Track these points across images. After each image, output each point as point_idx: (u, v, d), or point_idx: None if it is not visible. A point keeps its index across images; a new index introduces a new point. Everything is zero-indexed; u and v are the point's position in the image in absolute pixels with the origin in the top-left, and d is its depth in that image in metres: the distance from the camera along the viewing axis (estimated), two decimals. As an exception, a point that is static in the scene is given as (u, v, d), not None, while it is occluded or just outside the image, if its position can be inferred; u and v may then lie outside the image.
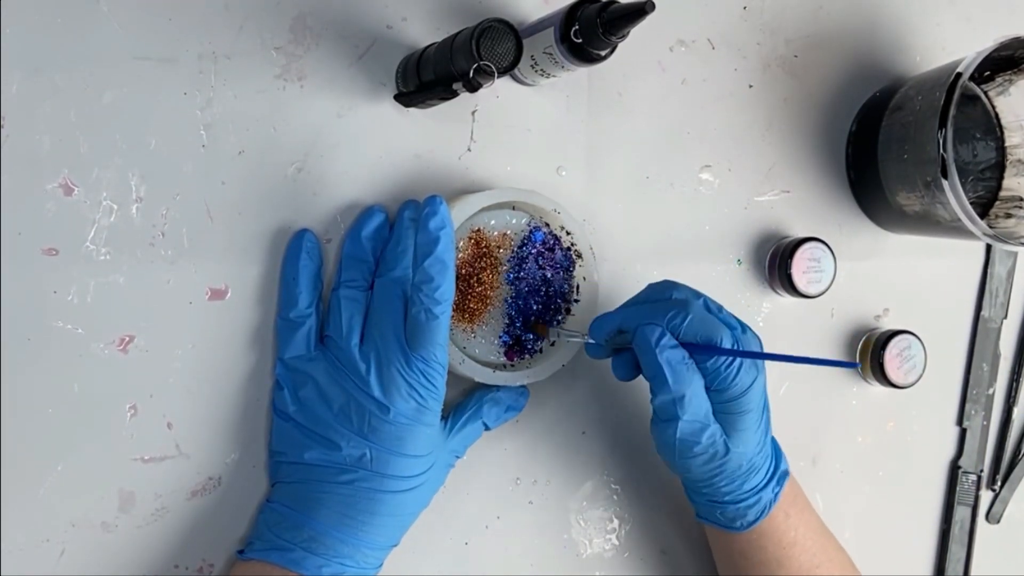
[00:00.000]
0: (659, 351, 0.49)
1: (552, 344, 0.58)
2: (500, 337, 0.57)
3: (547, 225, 0.58)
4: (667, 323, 0.50)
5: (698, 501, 0.56)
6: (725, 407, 0.51)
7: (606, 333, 0.53)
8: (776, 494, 0.54)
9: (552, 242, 0.58)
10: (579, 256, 0.58)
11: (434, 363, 0.50)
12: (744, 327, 0.52)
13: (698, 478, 0.54)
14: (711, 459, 0.52)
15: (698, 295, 0.51)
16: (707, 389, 0.50)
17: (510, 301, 0.57)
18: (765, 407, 0.53)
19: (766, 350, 0.66)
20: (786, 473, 0.55)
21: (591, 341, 0.54)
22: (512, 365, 0.57)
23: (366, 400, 0.50)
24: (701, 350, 0.49)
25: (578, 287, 0.59)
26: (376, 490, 0.49)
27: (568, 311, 0.59)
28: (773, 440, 0.56)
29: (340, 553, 0.49)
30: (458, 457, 0.55)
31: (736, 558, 0.57)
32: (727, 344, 0.49)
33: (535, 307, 0.57)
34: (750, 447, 0.52)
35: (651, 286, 0.53)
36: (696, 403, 0.50)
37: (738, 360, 0.49)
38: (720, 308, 0.52)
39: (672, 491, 0.64)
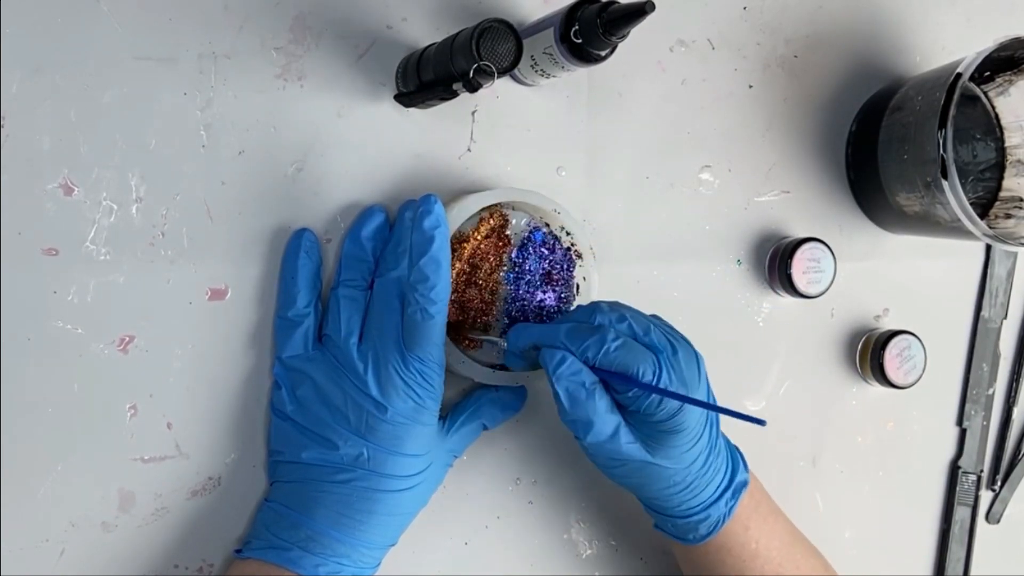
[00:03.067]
0: (556, 379, 0.48)
1: (480, 347, 0.57)
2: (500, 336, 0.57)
3: (547, 225, 0.58)
4: (581, 350, 0.48)
5: (650, 512, 0.55)
6: (655, 427, 0.49)
7: (522, 345, 0.51)
8: (730, 508, 0.53)
9: (552, 242, 0.58)
10: (579, 256, 0.58)
11: (431, 362, 0.50)
12: (677, 347, 0.49)
13: (635, 492, 0.53)
14: (636, 473, 0.51)
15: (623, 318, 0.49)
16: (633, 412, 0.49)
17: (510, 301, 0.57)
18: (708, 424, 0.51)
19: (767, 351, 0.66)
20: (743, 484, 0.54)
21: (507, 348, 0.53)
22: None
23: (364, 399, 0.50)
24: (615, 379, 0.48)
25: (578, 287, 0.59)
26: (373, 489, 0.49)
27: (569, 309, 0.59)
28: (732, 450, 0.55)
29: (337, 552, 0.49)
30: (456, 457, 0.55)
31: (697, 568, 0.56)
32: (648, 371, 0.47)
33: (536, 306, 0.57)
34: (683, 463, 0.50)
35: (579, 308, 0.52)
36: (599, 426, 0.48)
37: (660, 385, 0.47)
38: (650, 329, 0.49)
39: (672, 491, 0.64)
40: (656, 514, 0.55)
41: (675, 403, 0.48)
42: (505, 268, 0.57)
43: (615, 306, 0.51)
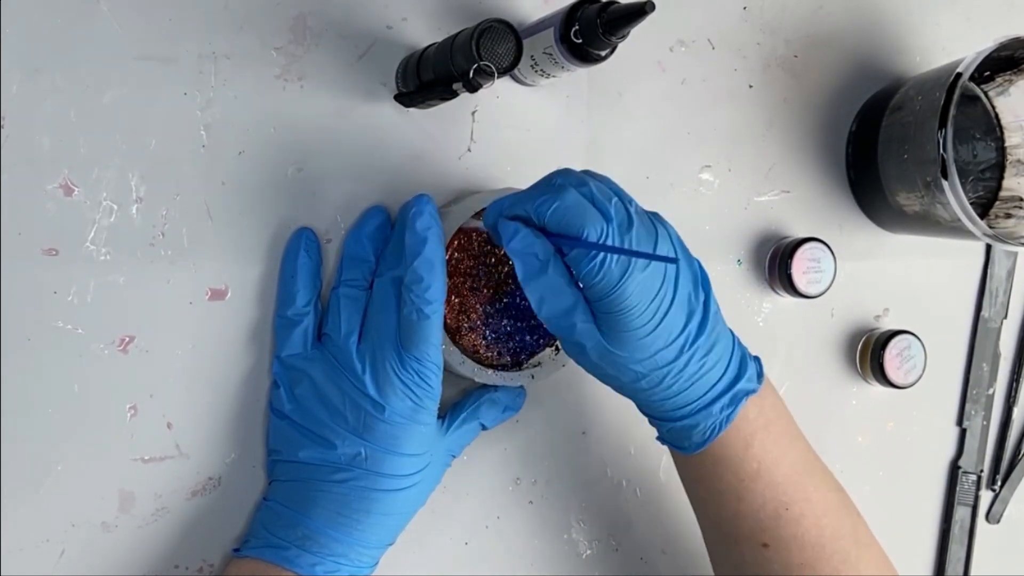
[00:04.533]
0: (510, 251, 0.46)
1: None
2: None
3: None
4: (535, 211, 0.46)
5: (648, 419, 0.52)
6: (600, 306, 0.45)
7: (492, 221, 0.49)
8: (727, 416, 0.48)
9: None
10: None
11: (428, 362, 0.50)
12: (635, 216, 0.46)
13: (617, 390, 0.50)
14: (599, 363, 0.47)
15: (584, 182, 0.46)
16: (584, 290, 0.46)
17: (510, 300, 0.57)
18: (674, 308, 0.46)
19: (767, 351, 0.66)
20: (746, 392, 0.49)
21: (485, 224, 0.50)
22: (513, 365, 0.57)
23: (361, 398, 0.50)
24: (560, 239, 0.45)
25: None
26: (371, 489, 0.49)
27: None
28: (743, 356, 0.50)
29: (334, 552, 0.49)
30: (454, 457, 0.55)
31: (693, 483, 0.53)
32: (593, 236, 0.44)
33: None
34: (642, 352, 0.46)
35: (548, 175, 0.48)
36: (552, 300, 0.46)
37: (598, 253, 0.44)
38: (610, 196, 0.46)
39: (672, 491, 0.64)
40: (650, 419, 0.51)
41: (616, 272, 0.44)
42: (506, 268, 0.57)
43: (584, 172, 0.48)
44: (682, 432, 0.50)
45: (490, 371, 0.55)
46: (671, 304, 0.46)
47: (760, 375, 0.51)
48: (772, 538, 0.50)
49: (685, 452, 0.51)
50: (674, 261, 0.41)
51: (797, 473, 0.51)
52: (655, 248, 0.46)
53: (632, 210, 0.46)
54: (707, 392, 0.48)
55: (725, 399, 0.49)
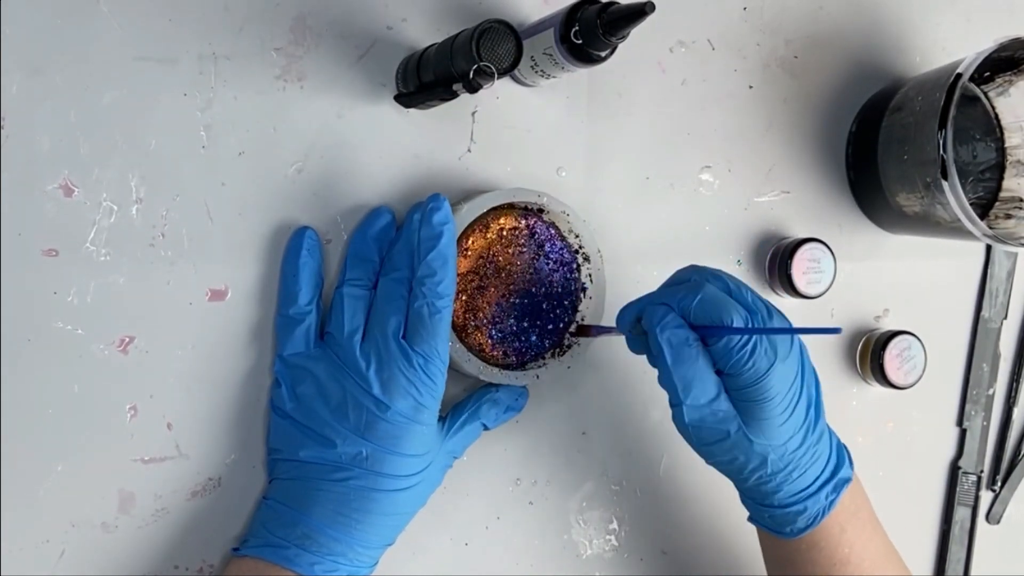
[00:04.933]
0: (660, 330, 0.47)
1: (591, 339, 0.57)
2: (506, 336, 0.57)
3: (555, 226, 0.58)
4: (677, 304, 0.48)
5: (747, 503, 0.54)
6: (743, 394, 0.48)
7: (628, 323, 0.51)
8: (831, 502, 0.51)
9: (560, 244, 0.58)
10: (587, 259, 0.59)
11: (435, 359, 0.50)
12: (771, 311, 0.49)
13: (733, 475, 0.52)
14: (732, 449, 0.49)
15: (719, 277, 0.49)
16: (721, 374, 0.48)
17: (517, 300, 0.57)
18: (802, 398, 0.49)
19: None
20: (846, 480, 0.52)
21: (619, 330, 0.52)
22: (518, 366, 0.57)
23: (364, 397, 0.50)
24: (707, 330, 0.47)
25: (584, 288, 0.59)
26: (371, 488, 0.49)
27: (575, 311, 0.58)
28: (839, 444, 0.53)
29: (333, 551, 0.49)
30: (456, 458, 0.55)
31: (784, 565, 0.54)
32: (739, 322, 0.47)
33: (544, 307, 0.57)
34: (778, 439, 0.49)
35: (677, 272, 0.51)
36: (700, 386, 0.47)
37: (751, 342, 0.46)
38: (743, 289, 0.49)
39: (672, 491, 0.64)
40: (753, 503, 0.53)
41: (764, 363, 0.46)
42: (513, 268, 0.57)
43: (712, 269, 0.50)
44: (786, 517, 0.51)
45: (495, 369, 0.55)
46: (800, 393, 0.49)
47: (851, 461, 0.54)
48: None
49: (785, 537, 0.52)
50: (837, 331, 0.43)
51: (880, 557, 0.54)
52: (791, 341, 0.48)
53: (765, 301, 0.49)
54: (816, 479, 0.51)
55: (829, 487, 0.51)
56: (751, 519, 0.55)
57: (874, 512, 0.55)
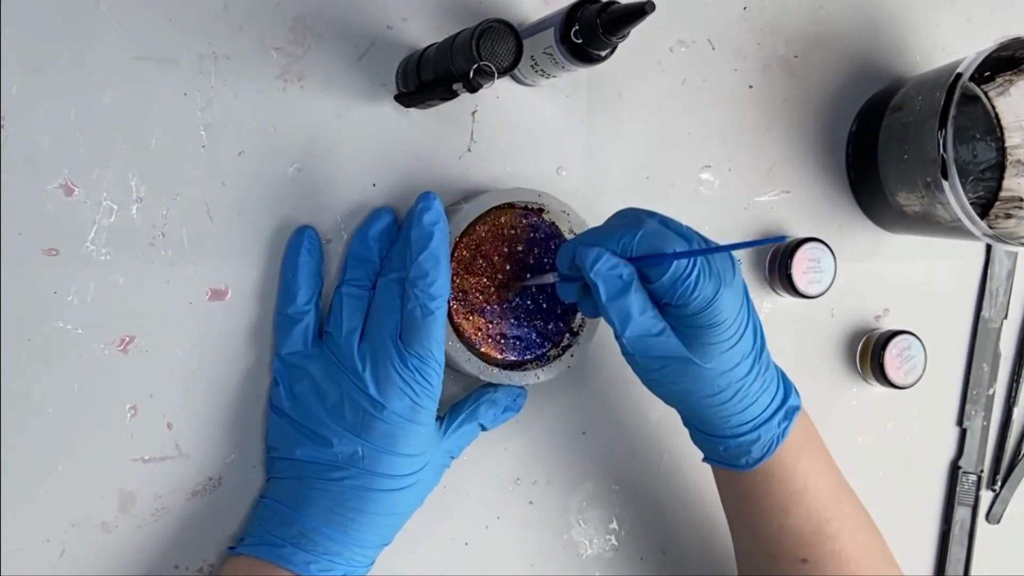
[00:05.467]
0: (594, 273, 0.47)
1: (531, 287, 0.57)
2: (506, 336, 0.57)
3: (555, 226, 0.58)
4: (617, 242, 0.47)
5: (700, 439, 0.54)
6: (691, 321, 0.47)
7: (566, 263, 0.50)
8: (784, 429, 0.51)
9: (560, 244, 0.58)
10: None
11: (430, 360, 0.50)
12: (709, 241, 0.49)
13: (680, 404, 0.52)
14: (680, 376, 0.49)
15: (653, 214, 0.49)
16: (669, 306, 0.47)
17: (518, 300, 0.57)
18: (749, 326, 0.49)
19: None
20: (796, 408, 0.52)
21: (558, 274, 0.52)
22: (517, 365, 0.57)
23: (361, 397, 0.50)
24: (650, 259, 0.47)
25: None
26: (367, 488, 0.49)
27: (575, 311, 0.58)
28: (781, 373, 0.53)
29: (329, 550, 0.49)
30: (453, 458, 0.55)
31: (740, 501, 0.54)
32: (681, 250, 0.46)
33: (544, 307, 0.57)
34: (726, 363, 0.48)
35: (615, 214, 0.51)
36: (639, 316, 0.47)
37: (695, 271, 0.46)
38: (682, 225, 0.49)
39: (672, 491, 0.64)
40: (706, 438, 0.53)
41: (710, 289, 0.46)
42: (513, 268, 0.57)
43: (646, 209, 0.50)
44: (740, 448, 0.51)
45: (495, 369, 0.55)
46: (748, 319, 0.49)
47: (797, 391, 0.53)
48: (812, 553, 0.52)
49: (741, 469, 0.52)
50: (782, 240, 0.42)
51: (835, 488, 0.54)
52: (733, 267, 0.48)
53: (699, 234, 0.49)
54: (767, 407, 0.51)
55: (780, 414, 0.51)
56: (706, 459, 0.54)
57: (823, 443, 0.55)
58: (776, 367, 0.53)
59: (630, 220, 0.48)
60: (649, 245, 0.47)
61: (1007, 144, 0.68)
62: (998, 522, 0.73)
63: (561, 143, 0.61)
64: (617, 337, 0.49)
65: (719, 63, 0.65)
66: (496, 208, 0.55)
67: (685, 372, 0.48)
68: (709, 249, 0.46)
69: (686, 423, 0.54)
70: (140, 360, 0.51)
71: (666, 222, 0.48)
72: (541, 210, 0.57)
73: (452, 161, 0.58)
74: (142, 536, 0.52)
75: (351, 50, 0.56)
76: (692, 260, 0.46)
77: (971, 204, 0.57)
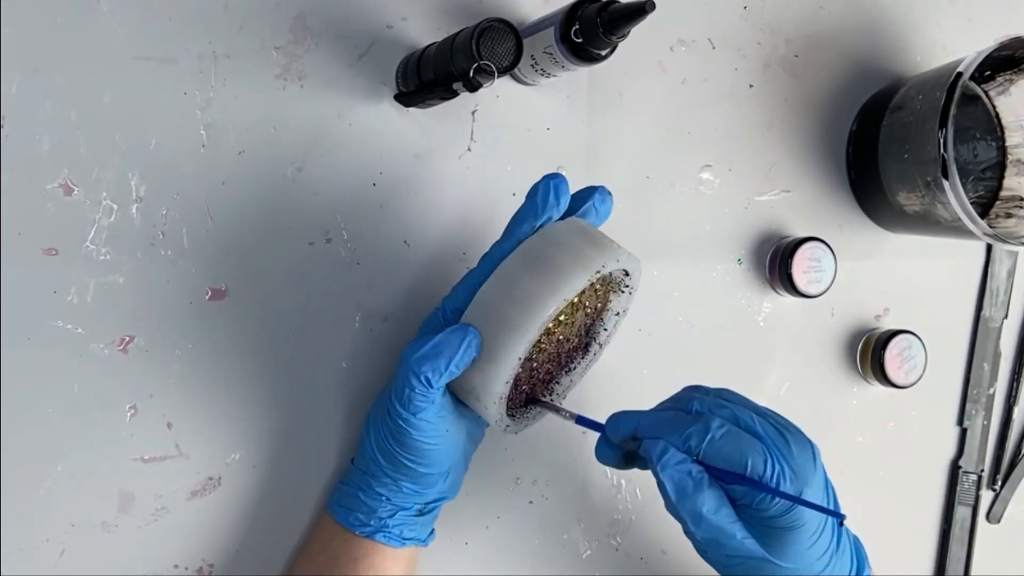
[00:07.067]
0: (661, 467, 0.45)
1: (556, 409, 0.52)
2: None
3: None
4: (683, 438, 0.45)
5: None
6: (768, 522, 0.45)
7: (622, 435, 0.48)
8: None
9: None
10: (623, 290, 0.53)
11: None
12: (786, 435, 0.46)
13: None
14: (754, 570, 0.47)
15: (722, 405, 0.47)
16: (744, 505, 0.46)
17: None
18: (829, 522, 0.47)
19: (767, 351, 0.66)
20: None
21: (604, 437, 0.50)
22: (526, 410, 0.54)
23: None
24: (722, 476, 0.45)
25: (616, 322, 0.55)
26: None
27: (600, 345, 0.55)
28: (854, 545, 0.50)
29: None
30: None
31: None
32: (759, 462, 0.44)
33: (568, 343, 0.53)
34: (805, 559, 0.46)
35: (676, 396, 0.49)
36: (709, 520, 0.45)
37: (774, 477, 0.44)
38: (755, 415, 0.46)
39: (672, 491, 0.64)
40: None
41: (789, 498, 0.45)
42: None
43: (716, 391, 0.48)
44: None
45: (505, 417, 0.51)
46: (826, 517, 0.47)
47: (867, 559, 0.52)
48: None
49: None
50: (842, 518, 0.42)
51: None
52: (814, 456, 0.47)
53: (773, 422, 0.47)
54: None
55: None
56: None
57: None
58: (849, 539, 0.50)
59: (695, 416, 0.46)
60: (719, 452, 0.45)
61: (1007, 143, 0.68)
62: (998, 522, 0.73)
63: (561, 142, 0.61)
64: (687, 533, 0.47)
65: (719, 63, 0.65)
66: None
67: (762, 569, 0.47)
68: (787, 496, 0.44)
69: None
70: (140, 360, 0.51)
71: (737, 417, 0.46)
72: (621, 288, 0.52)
73: (452, 161, 0.58)
74: (142, 536, 0.52)
75: (351, 50, 0.56)
76: (770, 470, 0.44)
77: (971, 204, 0.57)
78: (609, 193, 0.50)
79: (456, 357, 0.46)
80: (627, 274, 0.52)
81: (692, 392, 0.49)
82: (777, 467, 0.45)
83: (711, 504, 0.45)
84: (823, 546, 0.47)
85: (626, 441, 0.48)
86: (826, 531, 0.47)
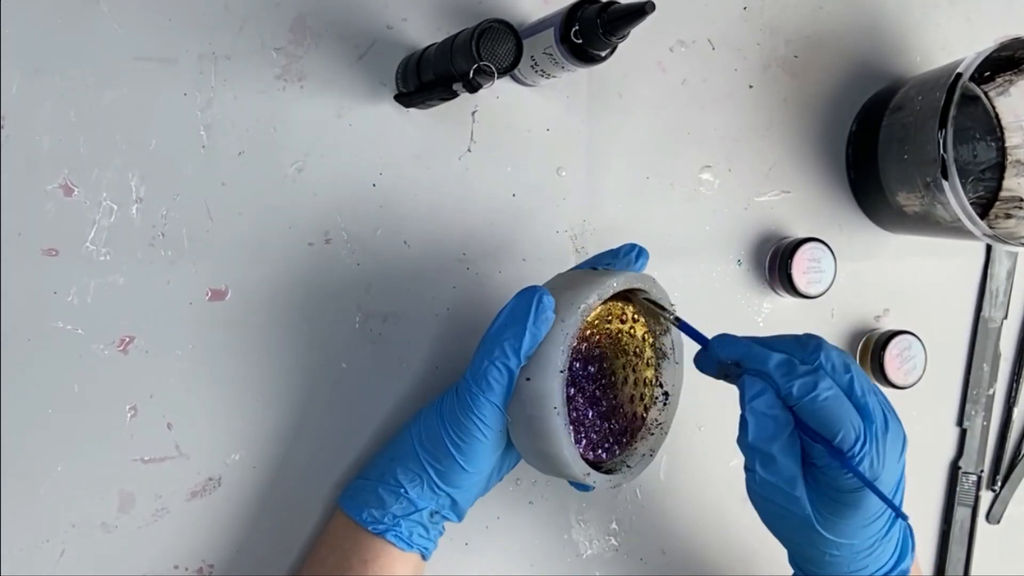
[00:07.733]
0: (749, 409, 0.45)
1: (669, 324, 0.52)
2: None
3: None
4: (786, 385, 0.45)
5: (795, 566, 0.52)
6: (832, 492, 0.45)
7: (725, 357, 0.48)
8: None
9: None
10: (664, 356, 0.55)
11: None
12: (889, 422, 0.46)
13: (788, 547, 0.50)
14: (793, 531, 0.47)
15: (848, 369, 0.46)
16: (814, 467, 0.45)
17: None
18: (887, 512, 0.47)
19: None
20: (904, 573, 0.49)
21: (708, 352, 0.49)
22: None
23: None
24: (809, 435, 0.44)
25: (665, 392, 0.55)
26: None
27: (665, 403, 0.55)
28: (905, 539, 0.50)
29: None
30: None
31: None
32: (851, 436, 0.44)
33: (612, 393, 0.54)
34: (850, 540, 0.46)
35: (798, 338, 0.48)
36: (779, 465, 0.45)
37: (861, 455, 0.44)
38: (867, 393, 0.45)
39: (672, 491, 0.64)
40: (801, 572, 0.51)
41: (866, 476, 0.44)
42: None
43: (842, 354, 0.47)
44: None
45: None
46: (893, 497, 0.47)
47: (914, 547, 0.51)
48: None
49: None
50: (905, 518, 0.42)
51: None
52: (902, 451, 0.47)
53: (882, 403, 0.46)
54: (879, 568, 0.49)
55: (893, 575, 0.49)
56: None
57: None
58: (902, 531, 0.50)
59: (815, 368, 0.45)
60: (817, 412, 0.44)
61: (1007, 144, 0.68)
62: (998, 522, 0.73)
63: (561, 143, 0.61)
64: (747, 469, 0.47)
65: (719, 63, 0.65)
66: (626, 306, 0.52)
67: (804, 532, 0.47)
68: (863, 479, 0.44)
69: (789, 555, 0.52)
70: (140, 360, 0.51)
71: (854, 384, 0.46)
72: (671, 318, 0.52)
73: (452, 161, 0.58)
74: (142, 537, 0.52)
75: (351, 50, 0.56)
76: (858, 447, 0.44)
77: (971, 204, 0.57)
78: (645, 250, 0.53)
79: (530, 319, 0.47)
80: (673, 349, 0.55)
81: (817, 343, 0.47)
82: (866, 447, 0.44)
83: (781, 451, 0.45)
84: (873, 530, 0.47)
85: (726, 364, 0.48)
86: (881, 519, 0.47)
